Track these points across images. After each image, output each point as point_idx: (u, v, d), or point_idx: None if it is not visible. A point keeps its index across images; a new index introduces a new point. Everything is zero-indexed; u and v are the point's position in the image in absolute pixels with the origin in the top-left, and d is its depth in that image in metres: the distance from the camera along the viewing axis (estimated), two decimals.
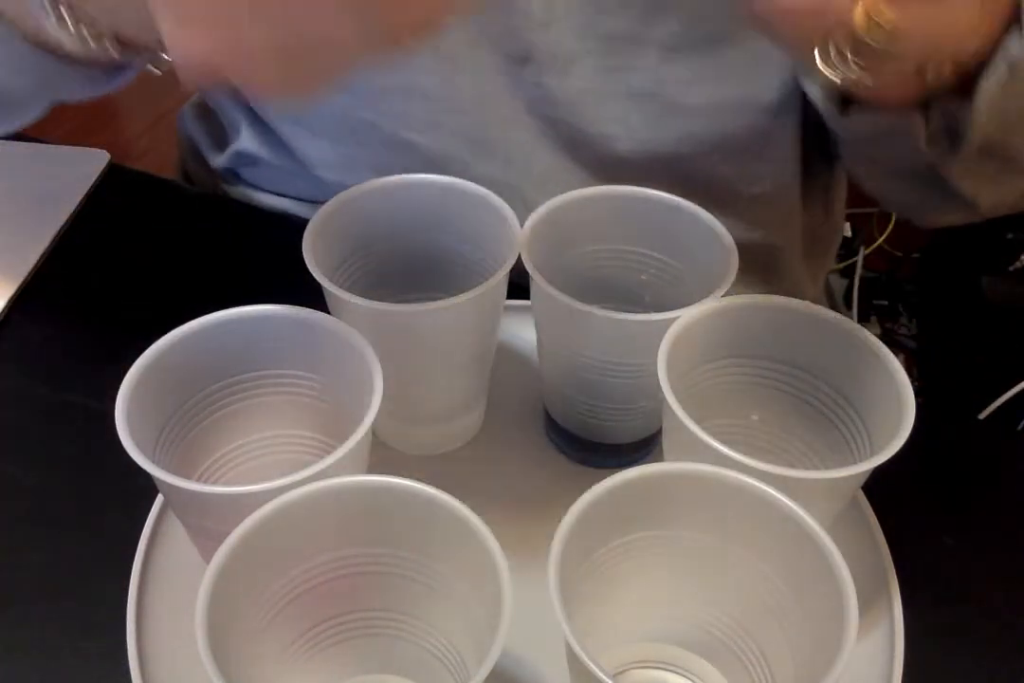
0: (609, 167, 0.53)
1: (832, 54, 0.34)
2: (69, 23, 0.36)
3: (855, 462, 0.34)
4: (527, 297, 0.41)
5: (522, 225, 0.40)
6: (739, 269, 0.38)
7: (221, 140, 0.63)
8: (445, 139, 0.53)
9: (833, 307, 0.48)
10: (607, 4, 0.48)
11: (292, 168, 0.58)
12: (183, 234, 0.57)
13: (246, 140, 0.59)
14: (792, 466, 0.33)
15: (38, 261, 0.54)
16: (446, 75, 0.51)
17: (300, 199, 0.60)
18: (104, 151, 0.60)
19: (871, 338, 0.36)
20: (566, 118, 0.52)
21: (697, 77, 0.50)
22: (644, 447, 0.46)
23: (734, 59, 0.50)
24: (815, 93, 0.47)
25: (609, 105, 0.51)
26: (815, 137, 0.55)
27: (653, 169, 0.53)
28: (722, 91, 0.51)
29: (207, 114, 0.65)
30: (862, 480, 0.35)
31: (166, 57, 0.36)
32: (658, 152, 0.53)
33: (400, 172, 0.42)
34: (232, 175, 0.63)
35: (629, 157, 0.53)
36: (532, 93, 0.51)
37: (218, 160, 0.62)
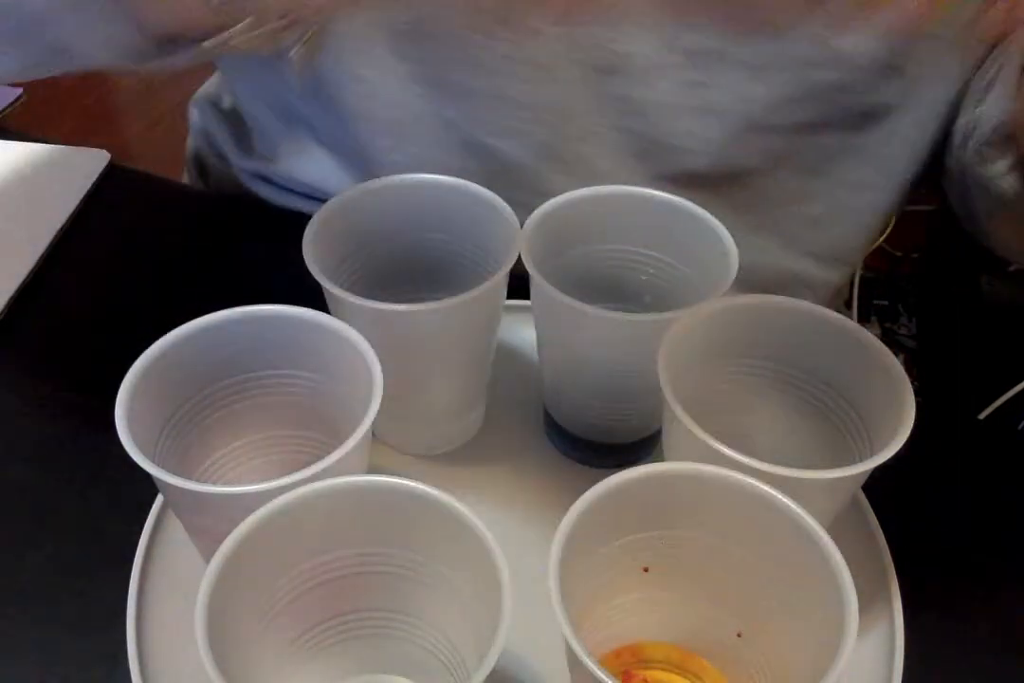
0: (681, 181, 0.53)
1: None
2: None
3: (855, 462, 0.34)
4: (527, 297, 0.41)
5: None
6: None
7: (245, 143, 0.62)
8: (523, 148, 0.52)
9: (833, 307, 0.48)
10: (694, 20, 0.48)
11: (342, 166, 0.57)
12: (183, 234, 0.57)
13: (282, 146, 0.58)
14: (792, 466, 0.33)
15: (38, 261, 0.54)
16: (537, 84, 0.51)
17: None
18: (104, 151, 0.60)
19: (871, 338, 0.36)
20: (646, 131, 0.52)
21: (783, 97, 0.50)
22: (644, 447, 0.46)
23: None
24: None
25: (690, 119, 0.51)
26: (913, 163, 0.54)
27: (722, 184, 0.53)
28: (807, 112, 0.51)
29: (229, 115, 0.64)
30: (862, 480, 0.35)
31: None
32: (733, 168, 0.53)
33: (468, 177, 0.42)
34: (259, 178, 0.62)
35: (703, 172, 0.53)
36: (615, 105, 0.51)
37: (244, 163, 0.61)
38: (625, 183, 0.41)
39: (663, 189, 0.41)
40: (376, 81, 0.51)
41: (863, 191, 0.56)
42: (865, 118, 0.52)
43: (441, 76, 0.51)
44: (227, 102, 0.65)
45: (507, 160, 0.53)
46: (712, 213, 0.41)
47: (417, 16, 0.49)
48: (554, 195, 0.42)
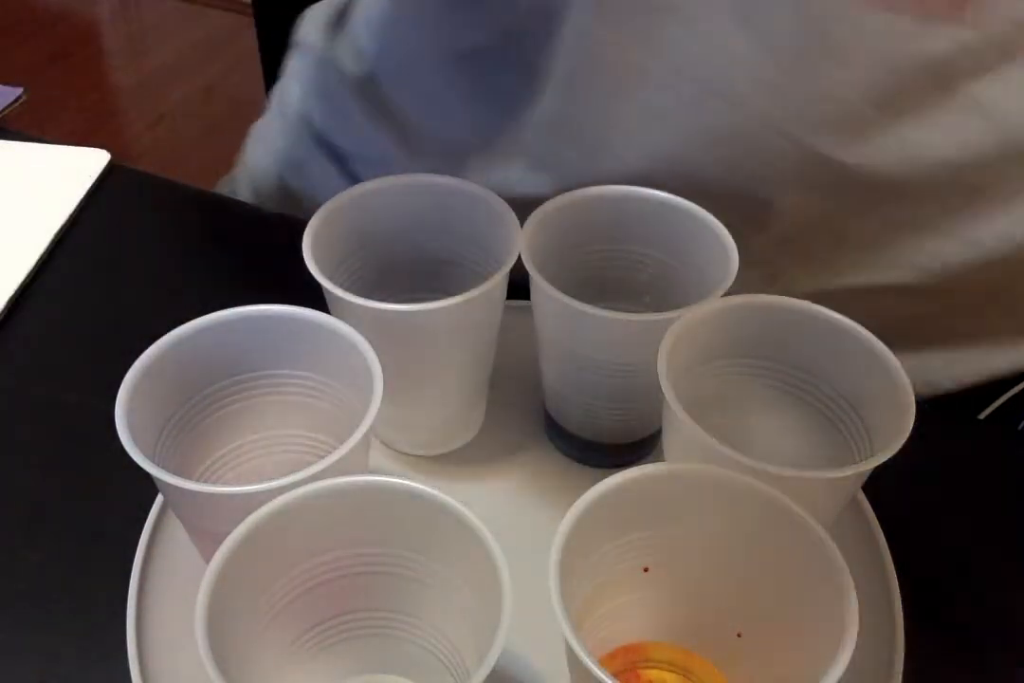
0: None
1: None
2: None
3: (855, 462, 0.34)
4: (527, 297, 0.41)
5: None
6: None
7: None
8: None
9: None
10: None
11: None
12: (183, 234, 0.57)
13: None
14: (792, 466, 0.33)
15: (38, 261, 0.54)
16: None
17: None
18: (104, 151, 0.60)
19: (871, 338, 0.36)
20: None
21: None
22: (644, 447, 0.46)
23: None
24: None
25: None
26: None
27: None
28: None
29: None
30: (862, 480, 0.35)
31: None
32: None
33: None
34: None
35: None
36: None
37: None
38: None
39: None
40: None
41: None
42: None
43: None
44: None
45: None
46: None
47: None
48: None
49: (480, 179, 0.43)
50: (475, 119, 0.55)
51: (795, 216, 0.51)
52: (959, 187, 0.48)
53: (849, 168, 0.47)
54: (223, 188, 0.70)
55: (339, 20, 0.61)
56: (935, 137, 0.46)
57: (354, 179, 0.61)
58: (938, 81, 0.44)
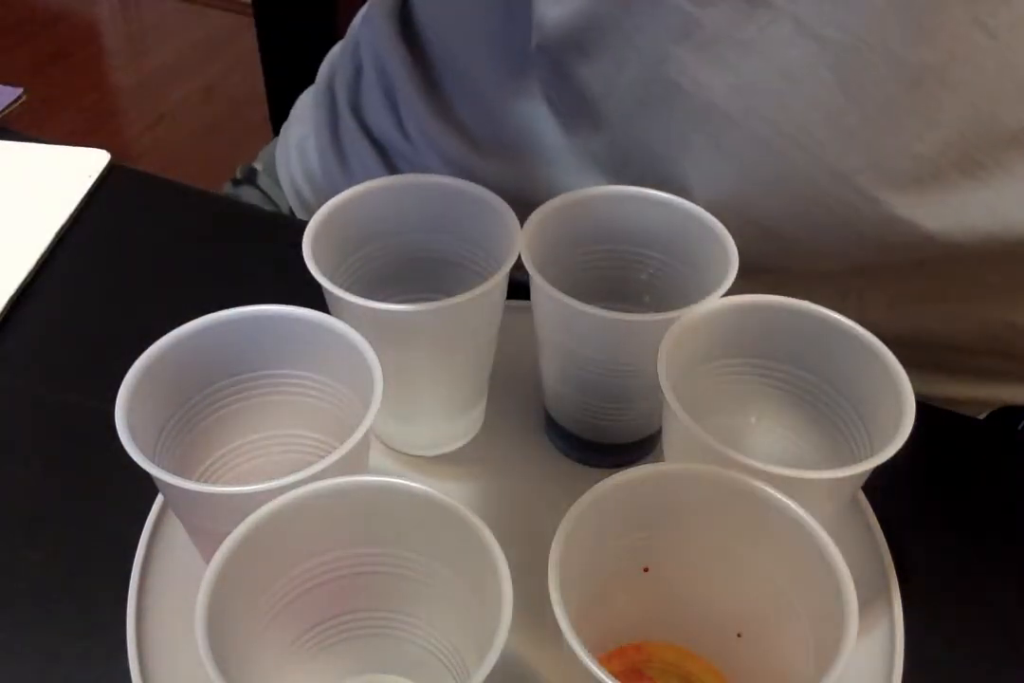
0: None
1: None
2: None
3: (855, 462, 0.34)
4: (527, 297, 0.41)
5: None
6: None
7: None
8: None
9: None
10: None
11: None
12: (183, 234, 0.57)
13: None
14: (792, 466, 0.33)
15: (38, 261, 0.54)
16: None
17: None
18: (104, 151, 0.60)
19: (871, 338, 0.36)
20: None
21: None
22: (644, 447, 0.46)
23: None
24: None
25: None
26: None
27: None
28: None
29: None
30: (862, 480, 0.35)
31: None
32: None
33: None
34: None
35: None
36: None
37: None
38: None
39: None
40: None
41: None
42: None
43: None
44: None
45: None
46: None
47: None
48: None
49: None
50: (535, 125, 0.53)
51: (871, 275, 0.49)
52: None
53: (924, 232, 0.45)
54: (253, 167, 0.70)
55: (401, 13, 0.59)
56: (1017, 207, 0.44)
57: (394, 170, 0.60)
58: None
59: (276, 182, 0.68)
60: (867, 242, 0.47)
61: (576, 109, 0.50)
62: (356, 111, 0.62)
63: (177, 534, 0.41)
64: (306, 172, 0.66)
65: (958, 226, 0.45)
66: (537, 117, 0.52)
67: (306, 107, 0.67)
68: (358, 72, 0.62)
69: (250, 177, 0.69)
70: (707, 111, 0.45)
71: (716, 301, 0.38)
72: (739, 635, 0.35)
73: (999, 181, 0.44)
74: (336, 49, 0.67)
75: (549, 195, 0.42)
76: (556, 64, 0.48)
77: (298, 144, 0.66)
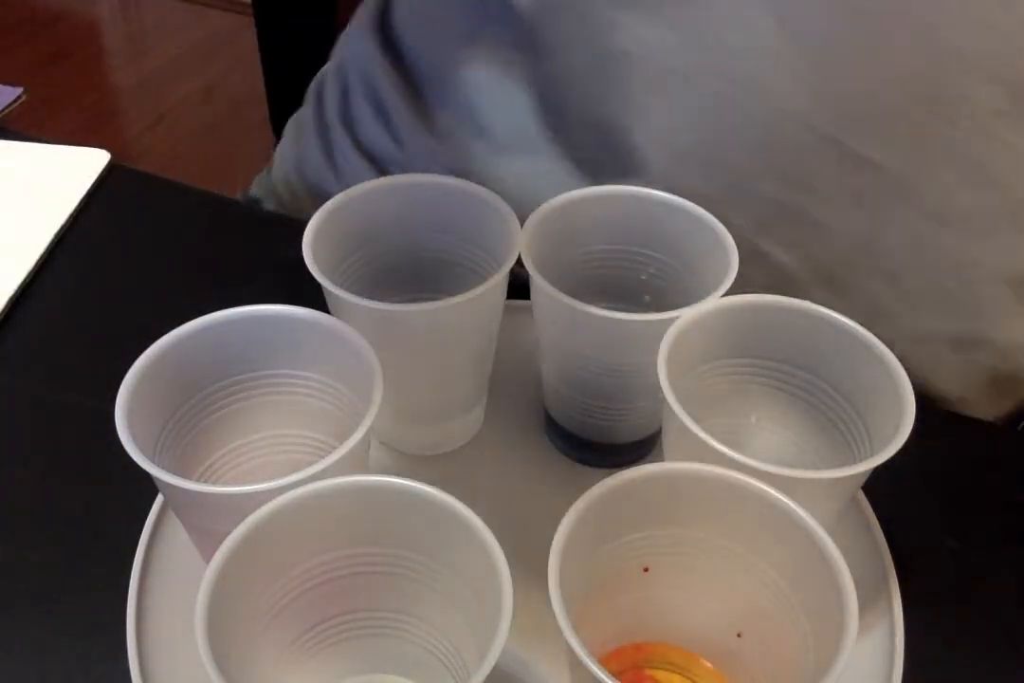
0: None
1: None
2: None
3: (855, 462, 0.34)
4: (527, 297, 0.41)
5: None
6: None
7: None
8: None
9: None
10: None
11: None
12: (183, 234, 0.57)
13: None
14: (792, 466, 0.33)
15: (38, 261, 0.54)
16: None
17: None
18: (104, 151, 0.60)
19: (871, 338, 0.36)
20: None
21: None
22: (644, 447, 0.46)
23: None
24: None
25: None
26: None
27: None
28: None
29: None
30: (862, 480, 0.35)
31: None
32: None
33: None
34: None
35: None
36: None
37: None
38: None
39: None
40: None
41: None
42: None
43: None
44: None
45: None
46: None
47: None
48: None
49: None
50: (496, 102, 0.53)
51: (834, 225, 0.49)
52: (1009, 213, 0.46)
53: (886, 170, 0.45)
54: (258, 187, 0.70)
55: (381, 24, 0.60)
56: (994, 157, 0.44)
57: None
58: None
59: (282, 205, 0.68)
60: (829, 182, 0.47)
61: (555, 97, 0.50)
62: (348, 127, 0.62)
63: (177, 534, 0.41)
64: (309, 189, 0.66)
65: (919, 163, 0.45)
66: (523, 112, 0.52)
67: (296, 128, 0.68)
68: (345, 91, 0.63)
69: (255, 206, 0.70)
70: (659, 72, 0.46)
71: (716, 301, 0.38)
72: (739, 635, 0.35)
73: (961, 114, 0.43)
74: (321, 73, 0.68)
75: (536, 196, 0.42)
76: (532, 47, 0.49)
77: (295, 167, 0.67)
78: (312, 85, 0.68)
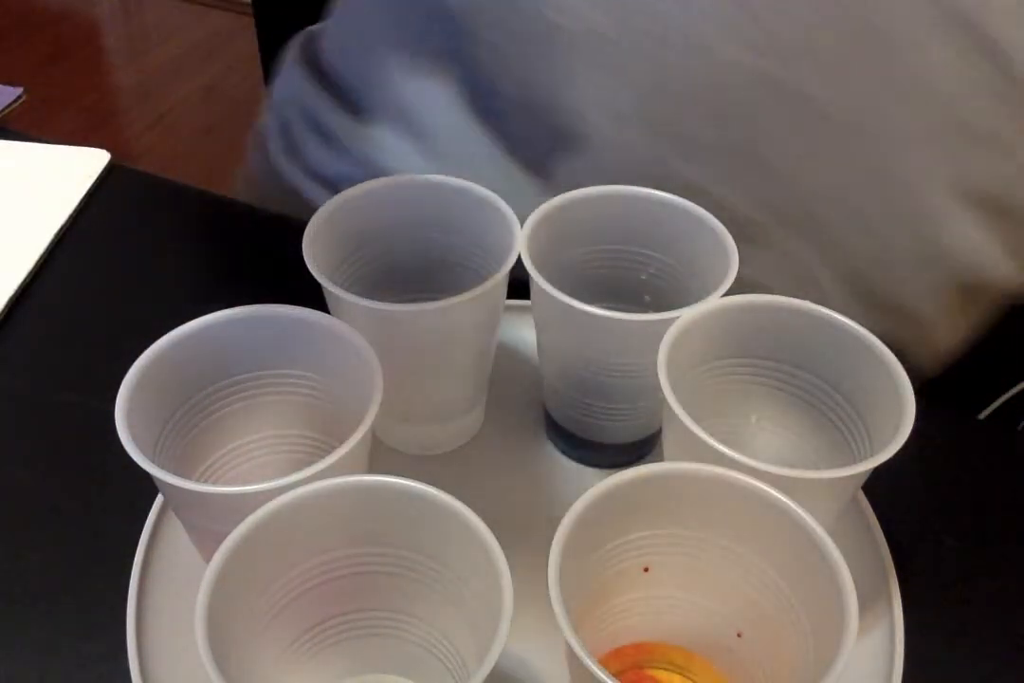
0: None
1: None
2: None
3: (855, 462, 0.34)
4: (527, 297, 0.41)
5: None
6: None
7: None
8: None
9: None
10: None
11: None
12: (183, 234, 0.57)
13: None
14: (792, 466, 0.33)
15: (38, 261, 0.54)
16: None
17: None
18: (104, 151, 0.60)
19: (871, 338, 0.36)
20: None
21: None
22: (644, 447, 0.46)
23: None
24: None
25: None
26: None
27: None
28: None
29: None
30: (862, 480, 0.35)
31: None
32: None
33: None
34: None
35: None
36: None
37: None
38: None
39: None
40: None
41: None
42: None
43: None
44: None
45: None
46: None
47: None
48: None
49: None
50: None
51: (784, 168, 0.49)
52: (954, 127, 0.46)
53: (829, 102, 0.45)
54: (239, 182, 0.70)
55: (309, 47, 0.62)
56: (930, 73, 0.44)
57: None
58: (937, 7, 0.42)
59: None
60: (776, 123, 0.47)
61: (487, 82, 0.51)
62: (293, 157, 0.63)
63: (177, 534, 0.41)
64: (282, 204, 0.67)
65: (859, 91, 0.45)
66: (455, 104, 0.53)
67: (244, 178, 0.68)
68: (286, 126, 0.63)
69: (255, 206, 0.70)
70: (593, 43, 0.46)
71: (716, 301, 0.38)
72: (739, 635, 0.35)
73: (894, 32, 0.43)
74: (257, 124, 0.68)
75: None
76: (460, 34, 0.50)
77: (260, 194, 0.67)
78: (250, 140, 0.68)
